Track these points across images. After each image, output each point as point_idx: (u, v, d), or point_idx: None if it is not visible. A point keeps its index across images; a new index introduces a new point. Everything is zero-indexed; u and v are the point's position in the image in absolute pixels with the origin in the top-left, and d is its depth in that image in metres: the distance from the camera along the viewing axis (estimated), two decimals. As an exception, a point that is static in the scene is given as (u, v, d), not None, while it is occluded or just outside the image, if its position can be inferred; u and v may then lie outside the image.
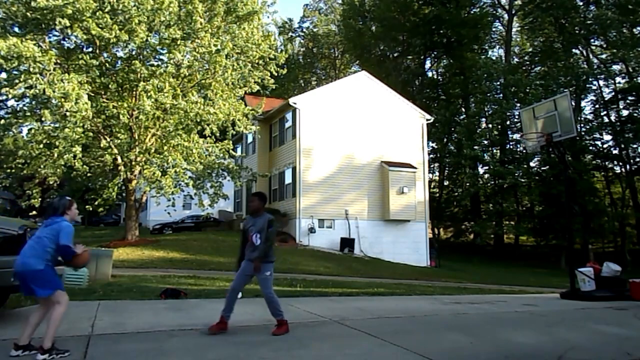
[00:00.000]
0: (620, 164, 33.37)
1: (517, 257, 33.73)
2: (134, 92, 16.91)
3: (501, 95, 33.46)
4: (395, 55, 44.28)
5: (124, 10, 15.02)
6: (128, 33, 14.80)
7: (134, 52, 16.26)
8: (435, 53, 43.85)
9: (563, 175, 18.05)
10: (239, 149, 26.44)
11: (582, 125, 31.70)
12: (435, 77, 46.39)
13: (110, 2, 15.02)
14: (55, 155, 15.27)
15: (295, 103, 21.91)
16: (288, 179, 22.74)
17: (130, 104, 16.86)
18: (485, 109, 35.70)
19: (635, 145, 31.57)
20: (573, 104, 22.71)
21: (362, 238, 21.95)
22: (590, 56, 34.98)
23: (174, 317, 5.56)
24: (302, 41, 55.69)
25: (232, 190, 27.33)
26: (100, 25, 14.54)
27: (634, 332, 5.99)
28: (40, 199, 17.21)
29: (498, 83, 33.22)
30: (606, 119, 33.19)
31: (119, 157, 16.70)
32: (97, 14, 14.59)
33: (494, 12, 40.77)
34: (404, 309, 7.21)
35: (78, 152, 15.32)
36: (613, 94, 33.02)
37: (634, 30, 32.06)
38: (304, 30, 55.06)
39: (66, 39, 16.59)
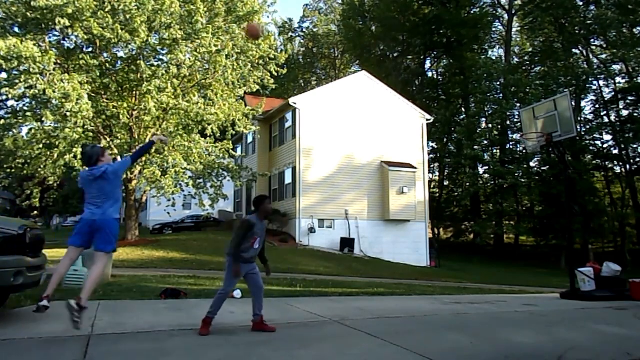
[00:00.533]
0: (620, 164, 33.38)
1: (517, 257, 33.73)
2: (134, 92, 16.92)
3: (501, 95, 33.47)
4: (395, 55, 44.28)
5: (125, 10, 15.03)
6: (129, 33, 14.80)
7: (134, 53, 16.26)
8: (435, 53, 43.86)
9: (563, 175, 18.05)
10: (239, 149, 26.45)
11: (582, 125, 31.71)
12: (435, 77, 46.41)
13: (111, 2, 15.02)
14: (55, 155, 15.27)
15: (295, 103, 21.91)
16: (288, 179, 22.75)
17: (130, 104, 16.87)
18: (485, 109, 35.70)
19: (635, 145, 31.58)
20: (573, 104, 22.70)
21: (362, 238, 21.95)
22: (590, 56, 34.99)
23: (174, 317, 5.56)
24: (302, 41, 55.71)
25: (232, 190, 27.34)
26: (102, 25, 14.54)
27: (634, 332, 5.98)
28: (39, 199, 17.23)
29: (498, 83, 33.23)
30: (606, 119, 33.21)
31: (118, 158, 16.70)
32: (99, 13, 14.59)
33: (494, 12, 40.78)
34: (404, 309, 7.20)
35: (78, 152, 15.32)
36: (613, 94, 33.04)
37: (634, 30, 32.07)
38: (304, 30, 55.11)
39: (66, 39, 16.59)
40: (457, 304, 8.09)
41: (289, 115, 23.08)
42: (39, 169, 16.33)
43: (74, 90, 13.94)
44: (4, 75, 14.97)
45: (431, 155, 35.28)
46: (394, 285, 12.30)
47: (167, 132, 17.01)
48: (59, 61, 15.48)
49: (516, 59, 40.13)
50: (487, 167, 34.96)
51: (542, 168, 32.95)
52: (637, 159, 32.72)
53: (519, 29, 41.65)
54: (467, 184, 35.55)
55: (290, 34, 54.66)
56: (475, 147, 31.89)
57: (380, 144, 23.40)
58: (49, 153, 15.67)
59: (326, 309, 6.45)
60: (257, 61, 17.83)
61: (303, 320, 5.80)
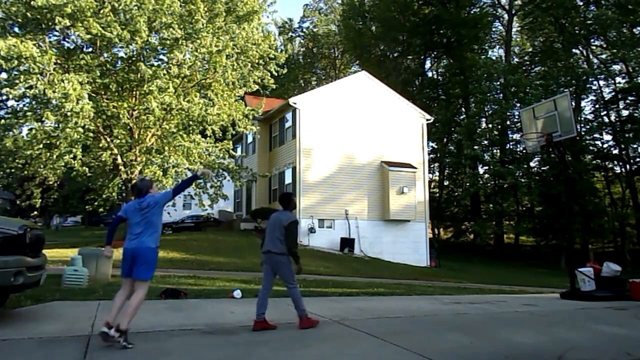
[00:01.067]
0: (620, 164, 33.37)
1: (517, 257, 33.73)
2: (134, 93, 16.91)
3: (501, 95, 33.47)
4: (395, 55, 44.28)
5: (125, 10, 15.03)
6: (131, 33, 14.80)
7: (134, 53, 16.26)
8: (435, 53, 43.85)
9: (563, 175, 18.05)
10: (239, 149, 26.45)
11: (582, 125, 31.69)
12: (435, 77, 46.39)
13: (111, 2, 15.02)
14: (55, 156, 15.27)
15: (295, 103, 21.91)
16: (288, 179, 22.75)
17: (130, 104, 16.87)
18: (485, 109, 35.70)
19: (635, 145, 31.56)
20: (573, 104, 22.70)
21: (362, 238, 21.95)
22: (590, 56, 34.97)
23: (174, 317, 5.56)
24: (302, 41, 55.69)
25: (232, 191, 27.33)
26: (102, 25, 14.54)
27: (634, 332, 5.99)
28: (40, 199, 17.21)
29: (498, 83, 33.22)
30: (606, 119, 33.19)
31: (119, 157, 16.70)
32: (100, 12, 14.59)
33: (494, 12, 40.75)
34: (404, 309, 7.20)
35: (78, 152, 15.32)
36: (613, 94, 33.01)
37: (634, 30, 32.05)
38: (304, 30, 55.08)
39: (66, 39, 16.59)
40: (457, 304, 8.09)
41: (289, 115, 23.08)
42: (39, 169, 16.32)
43: (74, 90, 13.94)
44: (4, 75, 14.97)
45: (431, 155, 35.27)
46: (394, 285, 12.31)
47: (168, 132, 17.01)
48: (59, 61, 15.47)
49: (516, 59, 40.12)
50: (487, 167, 34.97)
51: (542, 168, 32.93)
52: (637, 159, 32.71)
53: (519, 29, 41.65)
54: (467, 184, 35.55)
55: (290, 34, 54.66)
56: (475, 147, 31.88)
57: (380, 144, 23.39)
58: (49, 153, 15.66)
59: (326, 309, 6.45)
60: (257, 61, 17.83)
61: (298, 321, 5.79)
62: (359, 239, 21.80)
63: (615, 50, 31.65)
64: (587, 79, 31.43)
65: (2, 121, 15.77)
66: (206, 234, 23.38)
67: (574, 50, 34.95)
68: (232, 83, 17.49)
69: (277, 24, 51.81)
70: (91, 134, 16.73)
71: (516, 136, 32.91)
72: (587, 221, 28.66)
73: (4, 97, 15.30)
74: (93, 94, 16.06)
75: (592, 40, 34.76)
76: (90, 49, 16.40)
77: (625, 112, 32.20)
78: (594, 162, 33.87)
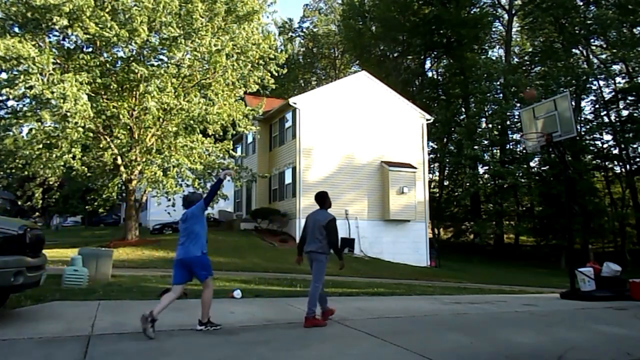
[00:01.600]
0: (620, 164, 33.37)
1: (517, 257, 33.73)
2: (134, 92, 16.92)
3: (501, 95, 33.46)
4: (395, 55, 44.27)
5: (124, 9, 15.03)
6: (129, 32, 14.79)
7: (134, 52, 16.26)
8: (435, 53, 43.82)
9: (563, 175, 18.05)
10: (239, 149, 26.45)
11: (582, 125, 31.69)
12: (435, 77, 46.37)
13: (111, 2, 15.03)
14: (54, 156, 15.27)
15: (295, 103, 21.91)
16: (288, 179, 22.75)
17: (130, 104, 16.87)
18: (485, 109, 35.68)
19: (635, 145, 31.55)
20: (573, 104, 22.70)
21: (362, 238, 21.94)
22: (590, 56, 34.96)
23: (174, 317, 5.56)
24: (302, 41, 55.67)
25: (232, 191, 27.33)
26: (100, 25, 14.54)
27: (634, 332, 5.99)
28: (41, 199, 17.21)
29: (498, 83, 33.21)
30: (606, 119, 33.18)
31: (119, 157, 16.71)
32: (96, 12, 14.58)
33: (494, 12, 40.73)
34: (404, 309, 7.20)
35: (77, 152, 15.33)
36: (613, 94, 33.01)
37: (634, 30, 32.04)
38: (304, 30, 55.06)
39: (66, 39, 16.60)
40: (457, 304, 8.09)
41: (289, 115, 23.08)
42: (40, 169, 16.33)
43: (71, 90, 13.93)
44: (4, 75, 14.98)
45: (431, 155, 35.26)
46: (394, 285, 12.31)
47: (168, 132, 17.01)
48: (58, 61, 15.48)
49: (516, 59, 40.11)
50: (487, 167, 34.96)
51: (542, 168, 32.92)
52: (637, 159, 32.70)
53: (519, 29, 41.65)
54: (467, 184, 35.54)
55: (290, 34, 54.64)
56: (475, 147, 31.87)
57: (380, 144, 23.39)
58: (48, 153, 15.67)
59: (326, 309, 6.44)
60: (257, 61, 17.83)
61: (303, 320, 5.79)
62: (359, 239, 21.79)
63: (615, 50, 31.64)
64: (587, 79, 31.42)
65: (2, 121, 15.78)
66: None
67: (574, 50, 34.94)
68: (232, 83, 17.50)
69: (277, 24, 51.82)
70: (91, 134, 16.73)
71: (516, 136, 32.93)
72: (587, 221, 28.66)
73: (4, 97, 15.30)
74: (93, 94, 16.07)
75: (592, 40, 34.75)
76: (90, 49, 16.41)
77: (625, 112, 32.21)
78: (594, 162, 33.87)
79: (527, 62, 38.61)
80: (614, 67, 33.17)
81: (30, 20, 14.79)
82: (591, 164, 33.50)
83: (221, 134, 18.35)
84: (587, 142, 32.42)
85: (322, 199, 6.01)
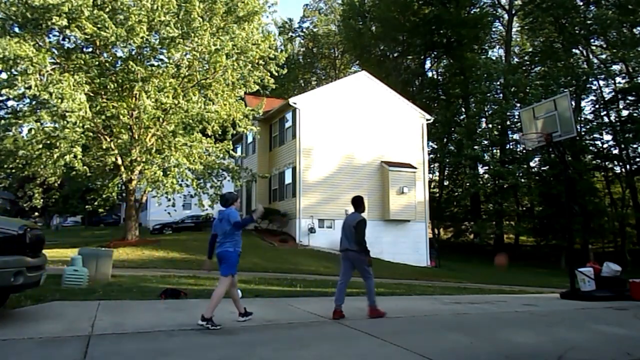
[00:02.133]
0: (620, 164, 33.36)
1: (517, 257, 33.70)
2: (134, 92, 16.92)
3: (501, 95, 33.45)
4: (395, 55, 44.26)
5: (122, 9, 15.02)
6: (127, 32, 14.78)
7: (133, 52, 16.25)
8: (435, 53, 43.82)
9: (563, 175, 18.06)
10: (239, 149, 26.45)
11: (582, 125, 31.68)
12: (435, 77, 46.37)
13: (110, 1, 15.02)
14: (55, 156, 15.27)
15: (295, 103, 21.91)
16: (288, 179, 22.74)
17: (130, 104, 16.86)
18: (485, 109, 35.68)
19: (635, 145, 31.55)
20: (573, 104, 22.71)
21: (362, 238, 21.90)
22: (590, 56, 34.96)
23: (174, 317, 5.56)
24: (302, 41, 55.67)
25: (232, 191, 27.34)
26: (98, 25, 14.53)
27: (634, 332, 5.99)
28: (42, 200, 17.20)
29: (498, 83, 33.21)
30: (606, 119, 33.18)
31: (119, 158, 16.70)
32: (95, 12, 14.57)
33: (494, 12, 40.73)
34: (404, 309, 7.21)
35: (78, 152, 15.32)
36: (613, 94, 33.00)
37: (634, 30, 32.04)
38: (304, 30, 55.05)
39: (66, 39, 16.59)
40: (457, 304, 8.09)
41: (289, 115, 23.08)
42: (40, 169, 16.33)
43: (69, 89, 13.92)
44: (3, 75, 14.98)
45: (431, 155, 35.25)
46: (394, 285, 12.31)
47: (167, 132, 17.00)
48: (58, 61, 15.48)
49: (516, 59, 40.11)
50: (487, 167, 34.95)
51: (542, 168, 32.91)
52: (637, 159, 32.69)
53: (519, 29, 41.64)
54: (467, 184, 35.53)
55: (290, 34, 54.63)
56: (475, 147, 31.88)
57: (380, 144, 23.39)
58: (49, 153, 15.67)
59: (326, 309, 6.45)
60: (257, 61, 17.82)
61: (303, 320, 5.80)
62: (359, 239, 21.76)
63: (615, 50, 31.64)
64: (587, 79, 31.41)
65: (2, 121, 15.78)
66: (206, 234, 23.24)
67: (574, 50, 34.94)
68: (232, 83, 17.49)
69: (277, 24, 51.82)
70: (91, 134, 16.73)
71: (516, 136, 32.91)
72: (587, 221, 28.65)
73: (4, 98, 15.31)
74: (92, 94, 16.07)
75: (592, 40, 34.75)
76: (89, 49, 16.41)
77: (625, 112, 32.20)
78: (594, 162, 33.86)
79: (527, 62, 38.61)
80: (614, 67, 33.17)
81: (30, 20, 14.79)
82: (591, 164, 33.49)
83: (220, 133, 18.34)
84: (587, 142, 32.41)
85: (357, 202, 6.80)
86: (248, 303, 6.87)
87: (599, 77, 32.48)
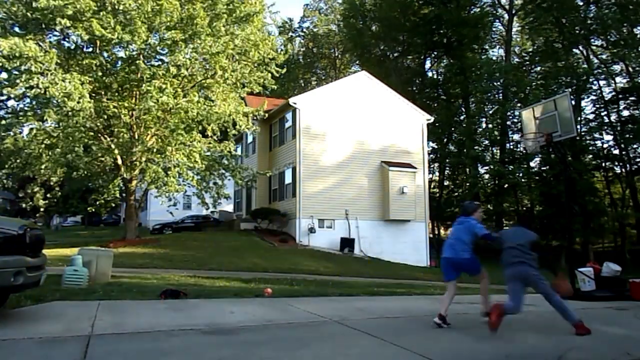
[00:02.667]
0: (620, 164, 33.35)
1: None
2: (134, 92, 16.93)
3: (501, 95, 33.43)
4: (396, 55, 44.25)
5: (124, 10, 15.04)
6: (130, 33, 14.81)
7: (135, 53, 16.27)
8: (435, 53, 43.79)
9: (563, 175, 18.06)
10: (239, 149, 26.45)
11: (582, 125, 31.68)
12: (435, 77, 46.35)
13: (112, 3, 15.04)
14: (57, 155, 15.29)
15: (295, 103, 21.91)
16: (288, 179, 22.75)
17: (130, 104, 16.87)
18: (486, 109, 35.67)
19: (635, 145, 31.53)
20: (573, 103, 22.70)
21: (362, 238, 21.94)
22: (591, 56, 34.95)
23: (174, 317, 5.56)
24: (302, 41, 55.65)
25: (232, 190, 27.36)
26: (103, 26, 14.56)
27: (634, 332, 5.99)
28: (44, 200, 17.19)
29: (498, 83, 33.20)
30: (606, 119, 33.17)
31: (119, 157, 16.71)
32: (101, 13, 14.61)
33: (494, 12, 40.69)
34: (404, 309, 7.21)
35: (80, 152, 15.35)
36: (613, 94, 32.99)
37: (634, 30, 32.04)
38: (304, 30, 55.04)
39: (66, 39, 16.61)
40: (457, 304, 8.07)
41: (289, 115, 23.07)
42: (40, 169, 16.34)
43: (75, 89, 13.96)
44: (4, 75, 15.00)
45: (431, 155, 35.24)
46: (394, 285, 12.31)
47: (168, 132, 17.00)
48: (59, 61, 15.50)
49: (516, 59, 40.09)
50: (487, 167, 34.94)
51: (542, 168, 32.90)
52: (637, 159, 32.68)
53: (519, 28, 41.63)
54: (467, 184, 35.51)
55: (290, 34, 54.58)
56: (476, 147, 31.87)
57: (380, 144, 23.39)
58: (50, 153, 15.68)
59: (326, 309, 6.45)
60: (257, 61, 17.84)
61: (303, 320, 5.80)
62: (359, 239, 21.80)
63: (615, 50, 31.62)
64: (587, 79, 31.40)
65: (3, 121, 15.80)
66: (206, 234, 23.39)
67: (574, 50, 34.93)
68: (232, 83, 17.51)
69: (277, 24, 51.78)
70: (91, 134, 16.75)
71: (516, 136, 32.93)
72: (587, 221, 28.64)
73: (5, 97, 15.32)
74: (93, 94, 16.09)
75: (592, 40, 34.73)
76: (90, 49, 16.42)
77: (625, 112, 32.22)
78: (594, 162, 33.84)
79: (527, 62, 38.59)
80: (614, 67, 33.17)
81: (31, 20, 14.80)
82: (591, 164, 33.47)
83: (219, 134, 18.35)
84: (587, 142, 32.40)
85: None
86: (248, 303, 6.88)
87: (599, 77, 32.48)
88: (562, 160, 13.41)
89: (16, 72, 14.47)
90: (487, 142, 34.57)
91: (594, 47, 35.41)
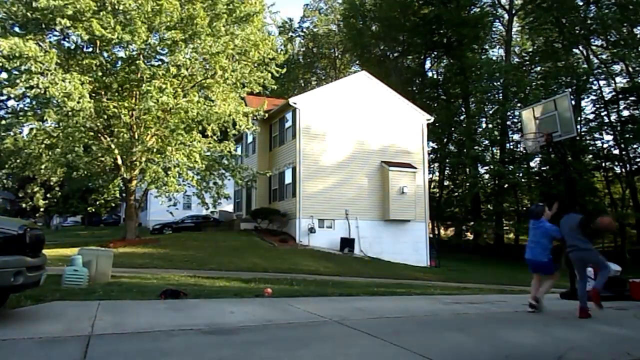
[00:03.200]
0: (620, 164, 33.35)
1: (518, 256, 33.62)
2: (134, 92, 16.93)
3: (501, 95, 33.43)
4: (396, 55, 44.27)
5: (124, 10, 15.05)
6: (130, 33, 14.82)
7: (135, 53, 16.27)
8: (435, 53, 43.82)
9: (563, 175, 18.05)
10: (239, 149, 26.46)
11: (582, 125, 31.68)
12: (435, 77, 46.36)
13: (112, 3, 15.04)
14: (57, 155, 15.29)
15: (295, 103, 21.91)
16: (288, 179, 22.74)
17: (130, 104, 16.88)
18: (486, 109, 35.67)
19: (635, 146, 31.55)
20: (573, 103, 22.69)
21: (362, 238, 21.94)
22: (591, 56, 34.95)
23: (174, 317, 5.55)
24: (302, 41, 55.66)
25: (232, 190, 27.36)
26: (103, 26, 14.56)
27: (634, 332, 5.99)
28: (44, 200, 17.19)
29: (498, 83, 33.20)
30: (606, 119, 33.17)
31: (119, 157, 16.71)
32: (101, 13, 14.61)
33: (494, 12, 40.71)
34: (404, 309, 7.20)
35: (80, 152, 15.35)
36: (613, 94, 33.00)
37: (634, 30, 32.04)
38: (304, 30, 55.05)
39: (66, 39, 16.61)
40: (457, 304, 8.08)
41: (289, 115, 23.07)
42: (40, 169, 16.34)
43: (75, 89, 13.96)
44: (4, 75, 15.00)
45: (431, 155, 35.24)
46: (394, 285, 12.31)
47: (168, 132, 17.01)
48: (59, 61, 15.50)
49: (516, 59, 40.09)
50: (487, 167, 34.94)
51: (542, 168, 32.91)
52: (637, 159, 32.69)
53: (519, 28, 41.64)
54: (468, 184, 35.50)
55: (290, 34, 54.58)
56: (476, 147, 31.88)
57: (380, 144, 23.39)
58: (50, 153, 15.68)
59: (326, 309, 6.45)
60: (257, 61, 17.84)
61: (303, 320, 5.80)
62: (359, 239, 21.80)
63: (615, 50, 31.62)
64: (587, 79, 31.41)
65: (3, 121, 15.80)
66: (206, 234, 23.39)
67: (574, 50, 34.93)
68: (232, 83, 17.52)
69: (277, 24, 51.81)
70: (91, 134, 16.75)
71: (516, 136, 32.94)
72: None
73: (4, 97, 15.32)
74: (93, 94, 16.10)
75: (592, 40, 34.74)
76: (90, 49, 16.43)
77: (625, 112, 32.23)
78: (594, 162, 33.84)
79: (527, 62, 38.60)
80: (614, 67, 33.18)
81: (31, 20, 14.80)
82: (591, 164, 33.49)
83: (219, 134, 18.35)
84: (587, 142, 32.41)
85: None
86: (248, 303, 6.88)
87: (599, 77, 32.50)
88: (562, 160, 13.40)
89: (16, 72, 14.47)
90: (487, 142, 34.57)
91: (594, 47, 35.41)
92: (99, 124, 16.57)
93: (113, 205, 20.66)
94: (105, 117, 16.79)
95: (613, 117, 32.99)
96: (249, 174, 20.20)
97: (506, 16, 40.04)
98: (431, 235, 28.56)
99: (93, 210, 18.95)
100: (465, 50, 39.02)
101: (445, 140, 40.01)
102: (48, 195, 17.41)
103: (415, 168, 23.79)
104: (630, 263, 25.96)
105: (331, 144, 22.34)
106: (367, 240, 22.03)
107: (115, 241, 18.23)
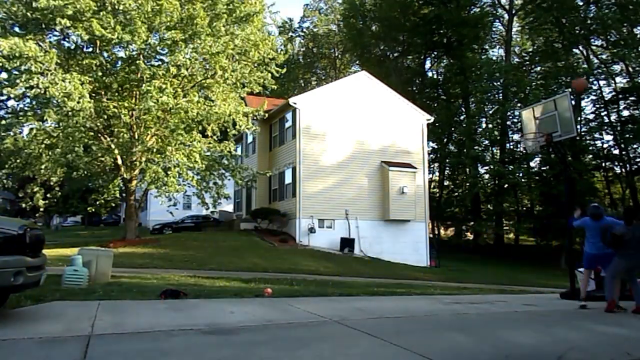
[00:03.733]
0: (620, 164, 33.35)
1: (518, 256, 33.71)
2: (134, 92, 16.93)
3: (501, 95, 33.44)
4: (396, 55, 44.28)
5: (124, 10, 15.05)
6: (130, 33, 14.82)
7: (135, 53, 16.27)
8: (435, 53, 43.83)
9: (563, 175, 18.05)
10: (239, 149, 26.46)
11: (582, 125, 31.68)
12: (435, 77, 46.36)
13: (112, 3, 15.05)
14: (57, 155, 15.29)
15: (295, 103, 21.91)
16: (288, 179, 22.75)
17: (130, 104, 16.88)
18: (486, 109, 35.67)
19: (635, 146, 31.55)
20: (573, 103, 22.69)
21: (362, 238, 21.94)
22: (591, 56, 34.96)
23: (174, 317, 5.55)
24: (302, 41, 55.67)
25: (232, 190, 27.36)
26: (103, 26, 14.56)
27: (634, 332, 5.99)
28: (44, 200, 17.19)
29: (498, 83, 33.20)
30: (606, 119, 33.17)
31: (119, 157, 16.71)
32: (101, 13, 14.62)
33: (494, 12, 40.72)
34: (404, 309, 7.20)
35: (80, 152, 15.35)
36: (613, 93, 33.00)
37: (634, 30, 32.05)
38: (304, 30, 55.06)
39: (66, 39, 16.61)
40: (457, 304, 8.08)
41: (289, 115, 23.07)
42: (40, 169, 16.34)
43: (75, 89, 13.97)
44: (4, 75, 15.00)
45: (431, 155, 35.24)
46: (394, 285, 12.31)
47: (168, 132, 17.01)
48: (59, 61, 15.51)
49: (516, 59, 40.10)
50: (487, 167, 34.95)
51: (542, 168, 32.91)
52: (637, 159, 32.69)
53: (519, 28, 41.65)
54: (467, 184, 35.50)
55: (290, 34, 54.59)
56: (476, 147, 31.88)
57: (380, 144, 23.39)
58: (50, 153, 15.68)
59: (326, 309, 6.45)
60: (257, 61, 17.84)
61: (303, 320, 5.80)
62: (359, 239, 21.80)
63: (615, 50, 31.63)
64: (587, 79, 31.38)
65: (3, 121, 15.80)
66: (206, 234, 23.39)
67: (574, 50, 34.93)
68: (232, 83, 17.52)
69: (277, 24, 51.82)
70: (91, 133, 16.75)
71: (516, 136, 32.94)
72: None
73: (4, 97, 15.32)
74: (93, 94, 16.10)
75: (592, 40, 34.74)
76: (90, 49, 16.43)
77: (625, 112, 32.24)
78: (594, 162, 33.85)
79: (527, 62, 38.60)
80: (614, 67, 33.18)
81: (31, 20, 14.80)
82: (591, 164, 33.49)
83: (219, 134, 18.35)
84: (587, 142, 32.42)
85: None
86: (248, 303, 6.88)
87: (599, 77, 32.49)
88: (562, 160, 13.40)
89: (16, 72, 14.47)
90: (487, 142, 34.56)
91: (594, 47, 35.42)
92: (99, 124, 16.57)
93: (113, 205, 20.66)
94: (105, 117, 16.79)
95: (613, 117, 33.00)
96: (249, 174, 20.20)
97: (506, 16, 40.05)
98: (431, 235, 28.57)
99: (93, 210, 18.96)
100: (465, 50, 39.02)
101: (445, 140, 40.01)
102: (48, 195, 17.41)
103: (415, 168, 23.79)
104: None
105: (331, 144, 22.34)
106: (367, 240, 22.03)
107: (115, 241, 18.22)
